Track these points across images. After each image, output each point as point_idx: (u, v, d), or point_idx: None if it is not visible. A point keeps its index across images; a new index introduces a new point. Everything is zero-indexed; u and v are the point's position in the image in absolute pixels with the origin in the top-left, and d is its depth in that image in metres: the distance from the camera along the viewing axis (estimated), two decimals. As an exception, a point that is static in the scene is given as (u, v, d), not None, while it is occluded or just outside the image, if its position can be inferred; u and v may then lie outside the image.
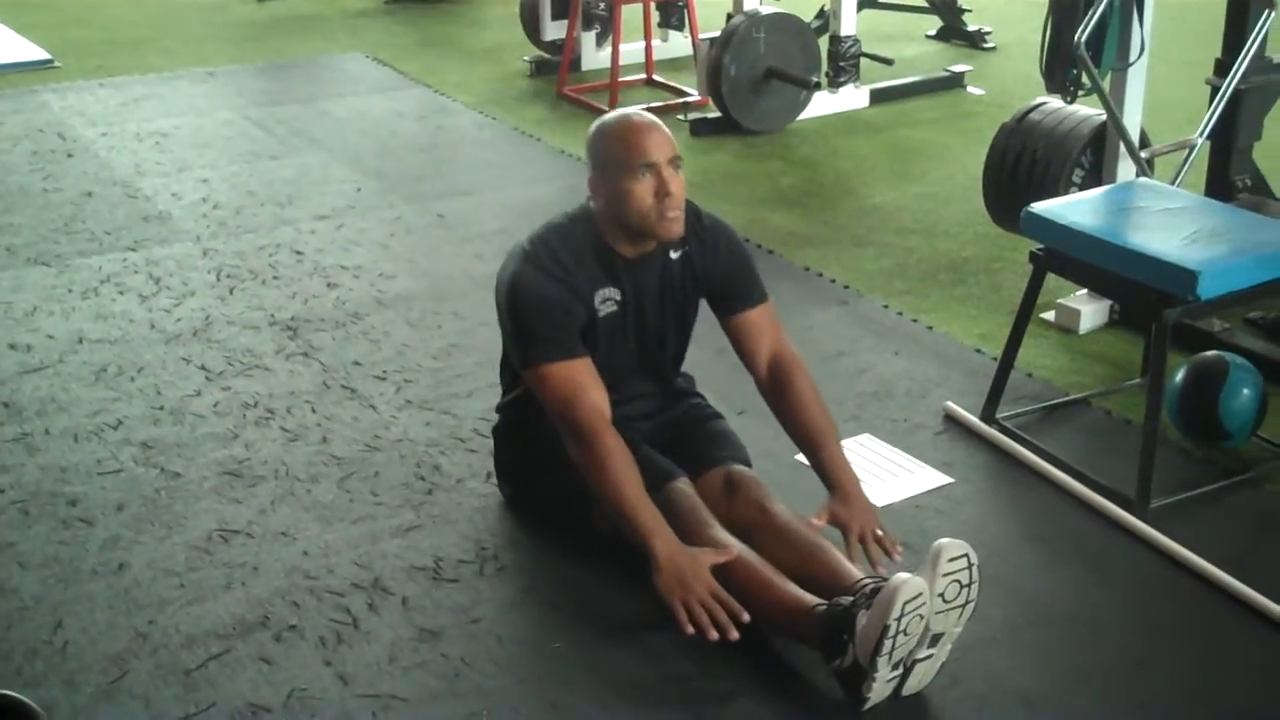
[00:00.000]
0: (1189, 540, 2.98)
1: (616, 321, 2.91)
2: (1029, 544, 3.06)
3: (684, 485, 2.85)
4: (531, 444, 3.01)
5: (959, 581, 2.45)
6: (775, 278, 4.47)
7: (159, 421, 3.55)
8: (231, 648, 2.69)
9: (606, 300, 2.87)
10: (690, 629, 2.56)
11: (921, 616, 2.40)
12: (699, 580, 2.60)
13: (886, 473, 3.30)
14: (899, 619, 2.36)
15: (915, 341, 4.01)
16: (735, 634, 2.54)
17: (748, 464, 3.01)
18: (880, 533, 2.80)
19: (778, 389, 3.00)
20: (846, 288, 4.40)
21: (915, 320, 4.15)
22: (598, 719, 2.51)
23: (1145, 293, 3.16)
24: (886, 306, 4.25)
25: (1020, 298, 3.50)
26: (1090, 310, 4.07)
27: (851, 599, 2.49)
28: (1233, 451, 3.37)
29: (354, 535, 3.06)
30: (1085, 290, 4.05)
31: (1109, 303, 4.08)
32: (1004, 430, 3.47)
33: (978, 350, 3.94)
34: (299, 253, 4.66)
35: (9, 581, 2.90)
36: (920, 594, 2.38)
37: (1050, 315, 4.12)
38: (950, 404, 3.58)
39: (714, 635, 2.53)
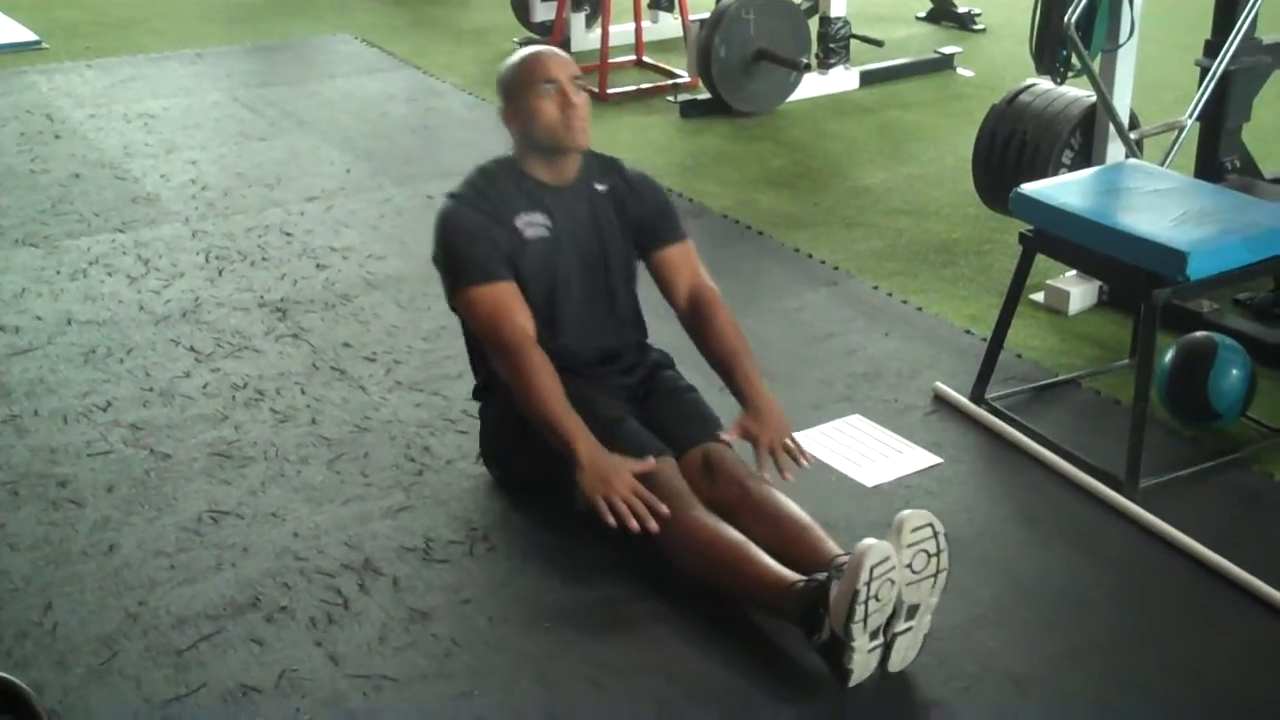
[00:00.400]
0: (1178, 520, 2.99)
1: (549, 248, 3.01)
2: (1018, 524, 3.07)
3: (665, 463, 2.86)
4: (510, 423, 3.01)
5: (926, 551, 2.46)
6: (765, 259, 4.50)
7: (148, 403, 3.54)
8: (222, 629, 2.69)
9: (532, 225, 3.00)
10: (613, 520, 2.72)
11: (892, 582, 2.41)
12: (619, 478, 2.76)
13: (876, 453, 3.31)
14: (867, 584, 2.37)
15: (905, 322, 4.02)
16: (654, 525, 2.70)
17: (725, 441, 3.00)
18: (789, 442, 2.94)
19: (695, 318, 3.13)
20: (836, 269, 4.40)
21: (905, 301, 4.15)
22: (589, 698, 2.51)
23: (1134, 273, 3.16)
24: (876, 288, 4.26)
25: (1010, 279, 3.51)
26: (1079, 291, 4.08)
27: (827, 574, 2.50)
28: (1221, 432, 3.38)
29: (344, 516, 3.06)
30: (1074, 271, 4.06)
31: (1098, 284, 4.08)
32: (993, 411, 3.47)
33: (967, 331, 3.95)
34: (288, 234, 4.65)
35: (-1, 563, 2.90)
36: (887, 557, 2.39)
37: (1039, 296, 4.13)
38: (940, 385, 3.59)
39: (634, 525, 2.70)
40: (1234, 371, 3.31)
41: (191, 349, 3.83)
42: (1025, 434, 3.35)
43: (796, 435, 3.33)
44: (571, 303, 3.04)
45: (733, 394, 3.04)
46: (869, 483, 3.17)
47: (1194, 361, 3.33)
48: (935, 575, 2.49)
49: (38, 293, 4.19)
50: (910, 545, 2.44)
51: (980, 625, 2.70)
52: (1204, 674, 2.60)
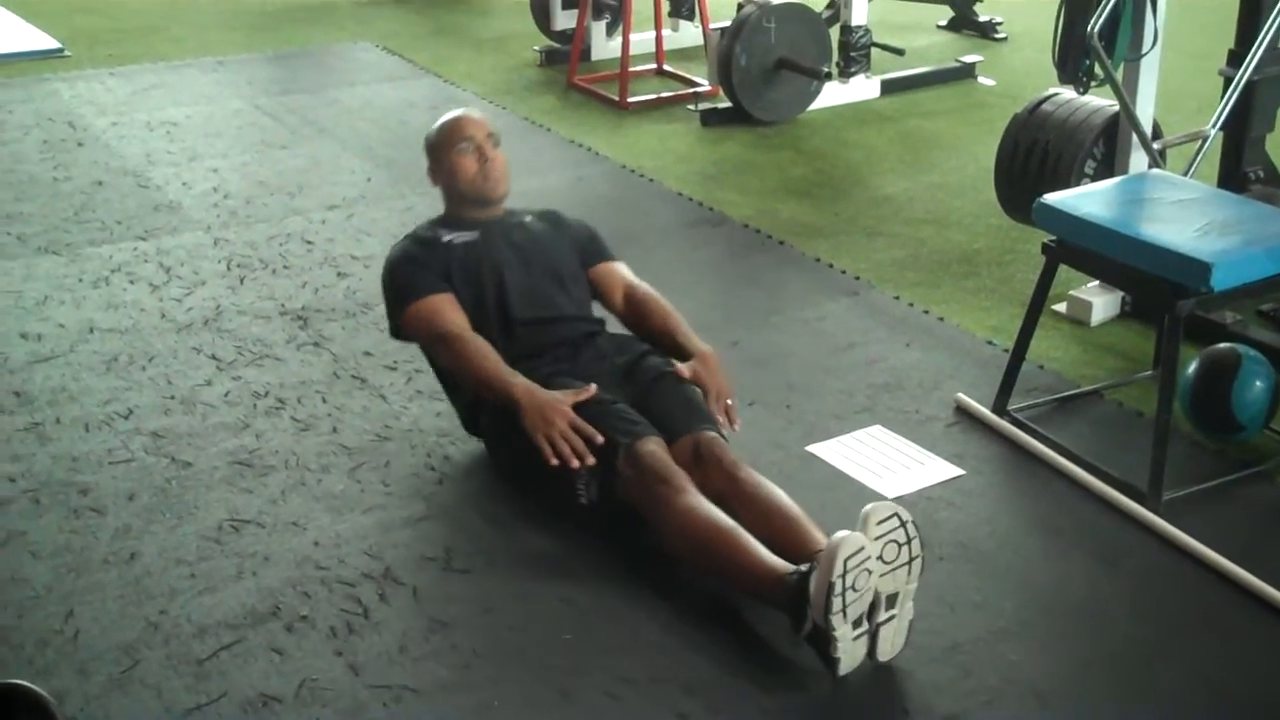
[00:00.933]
0: (1201, 533, 2.97)
1: (480, 247, 3.28)
2: (1040, 536, 3.06)
3: (654, 444, 2.90)
4: (503, 429, 3.08)
5: (895, 541, 2.51)
6: (786, 268, 4.49)
7: (170, 411, 3.55)
8: (243, 638, 2.69)
9: (460, 236, 3.30)
10: (555, 460, 2.90)
11: (869, 571, 2.46)
12: (558, 414, 2.94)
13: (898, 464, 3.30)
14: (842, 575, 2.42)
15: (927, 333, 4.01)
16: (591, 459, 2.90)
17: (715, 429, 3.04)
18: (730, 403, 3.13)
19: (630, 306, 3.36)
20: (857, 279, 4.39)
21: (927, 312, 4.14)
22: (609, 710, 2.51)
23: (1158, 284, 3.15)
24: (898, 298, 4.25)
25: (1032, 289, 3.49)
26: (1102, 302, 4.06)
27: (808, 566, 2.53)
28: (1245, 444, 3.36)
29: (365, 525, 3.06)
30: (1097, 282, 4.04)
31: (1120, 294, 4.07)
32: (1015, 422, 3.46)
33: (989, 342, 3.93)
34: (309, 242, 4.66)
35: (20, 571, 2.90)
36: (860, 548, 2.45)
37: (1062, 307, 4.11)
38: (962, 396, 3.58)
39: (575, 464, 2.89)
40: (1258, 384, 3.29)
41: (213, 357, 3.84)
42: (1047, 446, 3.34)
43: (816, 446, 3.36)
44: (515, 282, 3.24)
45: (675, 355, 3.22)
46: (890, 494, 3.16)
47: (1217, 373, 3.32)
48: (909, 563, 2.53)
49: (60, 300, 4.20)
50: (878, 537, 2.49)
51: (1002, 638, 2.69)
52: (1226, 687, 2.58)
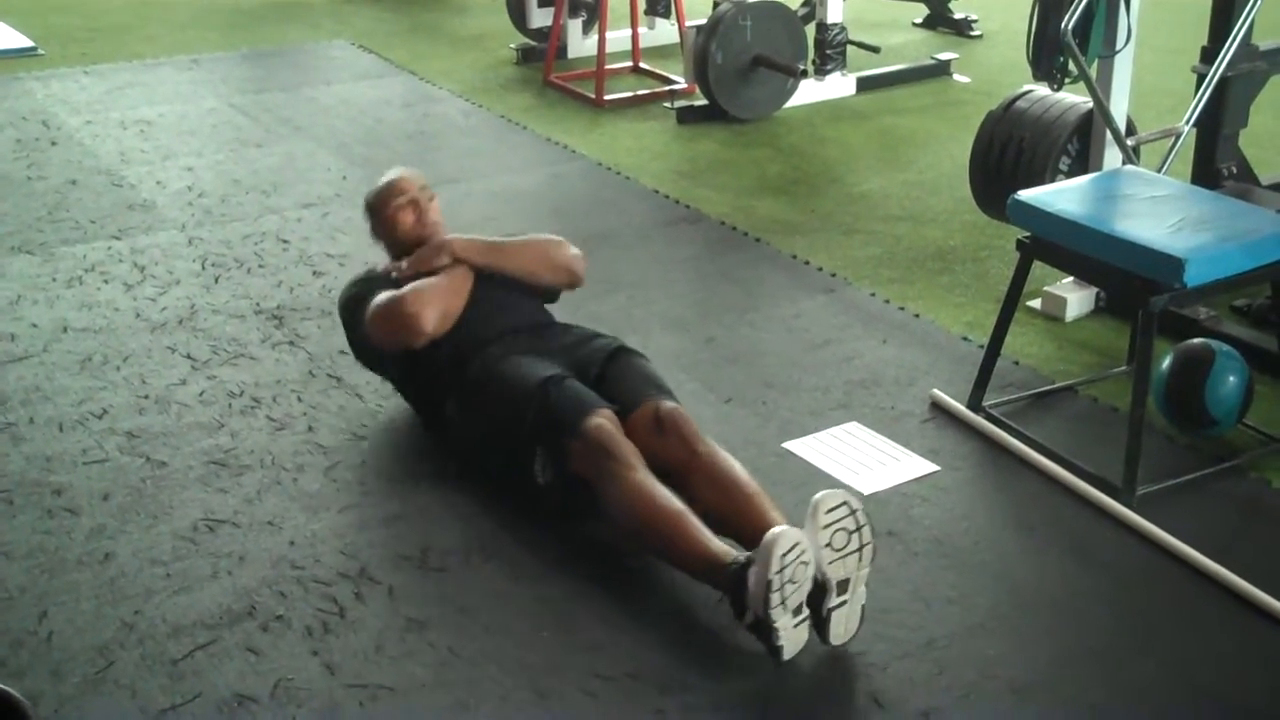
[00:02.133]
0: (1175, 527, 2.99)
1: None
2: (1015, 531, 3.07)
3: (605, 419, 2.91)
4: (466, 412, 3.16)
5: (844, 529, 2.55)
6: (762, 265, 4.49)
7: (144, 410, 3.53)
8: (218, 638, 2.68)
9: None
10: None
11: (805, 563, 2.49)
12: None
13: (874, 461, 3.30)
14: (779, 571, 2.46)
15: (902, 329, 4.01)
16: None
17: (674, 400, 3.07)
18: None
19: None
20: (834, 276, 4.40)
21: (902, 308, 4.15)
22: (586, 707, 2.51)
23: (1132, 280, 3.16)
24: (874, 294, 4.25)
25: (1007, 286, 3.50)
26: (1076, 298, 4.08)
27: (747, 557, 2.57)
28: (1219, 439, 3.38)
29: (340, 524, 3.05)
30: (1071, 278, 4.06)
31: (1095, 290, 4.08)
32: (990, 418, 3.47)
33: (964, 338, 3.94)
34: (285, 241, 4.65)
35: (-6, 571, 2.89)
36: (795, 543, 2.48)
37: (1036, 303, 4.12)
38: (937, 392, 3.59)
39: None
40: (1231, 378, 3.31)
41: (188, 356, 3.82)
42: (1023, 441, 3.35)
43: (792, 442, 3.37)
44: (484, 294, 3.32)
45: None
46: (866, 490, 3.16)
47: (1191, 368, 3.33)
48: (860, 549, 2.57)
49: (33, 300, 4.18)
50: (827, 526, 2.54)
51: (978, 633, 2.69)
52: (1201, 681, 2.59)
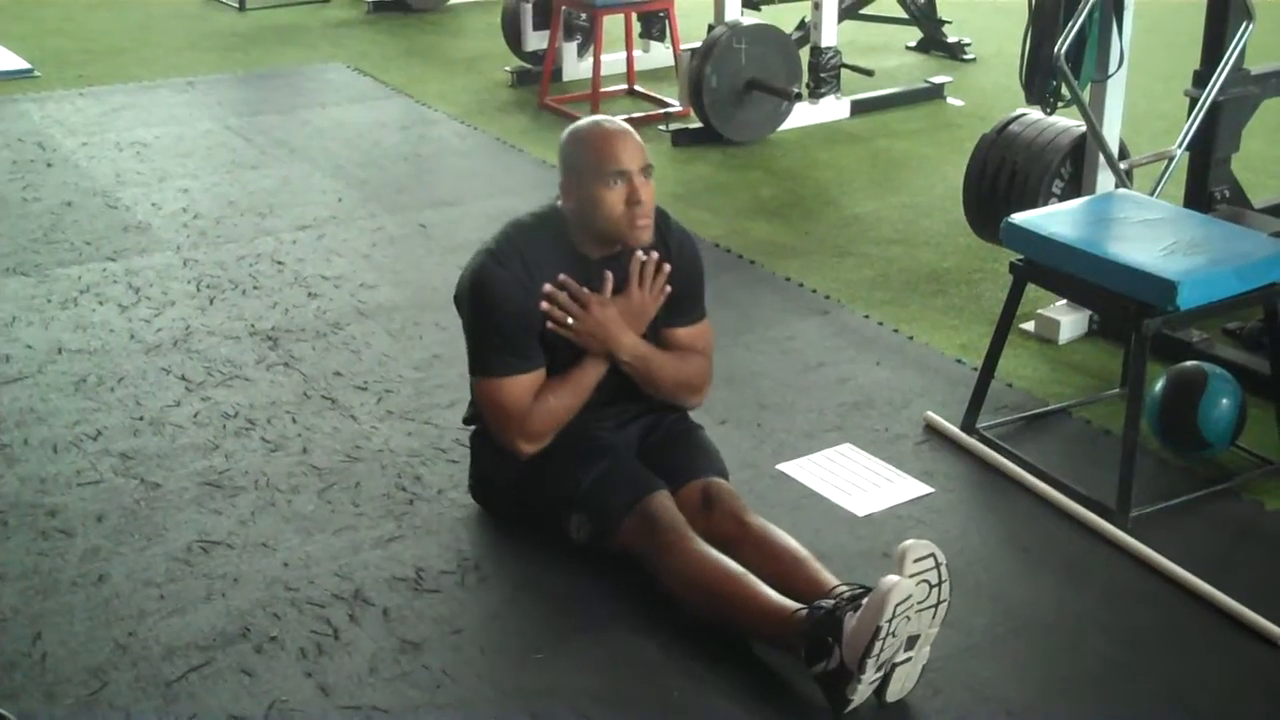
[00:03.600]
0: (1169, 549, 2.99)
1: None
2: (1010, 553, 3.07)
3: (664, 498, 2.85)
4: (510, 456, 3.00)
5: (928, 581, 2.46)
6: (756, 288, 4.50)
7: (139, 432, 3.53)
8: (212, 659, 2.68)
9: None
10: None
11: (909, 618, 2.41)
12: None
13: (868, 483, 3.31)
14: (890, 620, 2.37)
15: (896, 352, 4.02)
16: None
17: (725, 476, 3.02)
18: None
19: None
20: (827, 298, 4.41)
21: (896, 330, 4.16)
22: (580, 730, 2.51)
23: (1125, 303, 3.17)
24: (867, 317, 4.26)
25: (1000, 308, 3.51)
26: (1069, 320, 4.09)
27: (834, 603, 2.50)
28: (1212, 461, 3.39)
29: (335, 546, 3.05)
30: (1064, 301, 4.07)
31: (1088, 313, 4.09)
32: (984, 440, 3.47)
33: (958, 360, 3.95)
34: (280, 263, 4.65)
35: (-13, 593, 2.89)
36: (910, 595, 2.39)
37: (1030, 326, 4.13)
38: (931, 414, 3.59)
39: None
40: (1224, 401, 3.31)
41: (182, 378, 3.82)
42: (1016, 463, 3.35)
43: (787, 464, 3.37)
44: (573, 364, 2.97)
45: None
46: (860, 512, 3.17)
47: (1184, 391, 3.34)
48: (936, 606, 2.49)
49: (28, 321, 4.18)
50: (913, 575, 2.43)
51: (973, 655, 2.69)
52: (1195, 703, 2.59)
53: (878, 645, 2.38)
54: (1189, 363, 3.47)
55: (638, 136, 2.86)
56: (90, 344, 4.03)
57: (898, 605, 2.37)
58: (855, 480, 3.32)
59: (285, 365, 3.90)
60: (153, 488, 3.28)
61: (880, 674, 2.46)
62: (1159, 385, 3.39)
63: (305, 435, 3.52)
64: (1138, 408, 3.15)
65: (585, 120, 2.93)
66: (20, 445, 3.47)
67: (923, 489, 3.28)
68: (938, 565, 2.47)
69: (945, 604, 2.50)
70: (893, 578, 2.41)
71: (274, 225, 5.01)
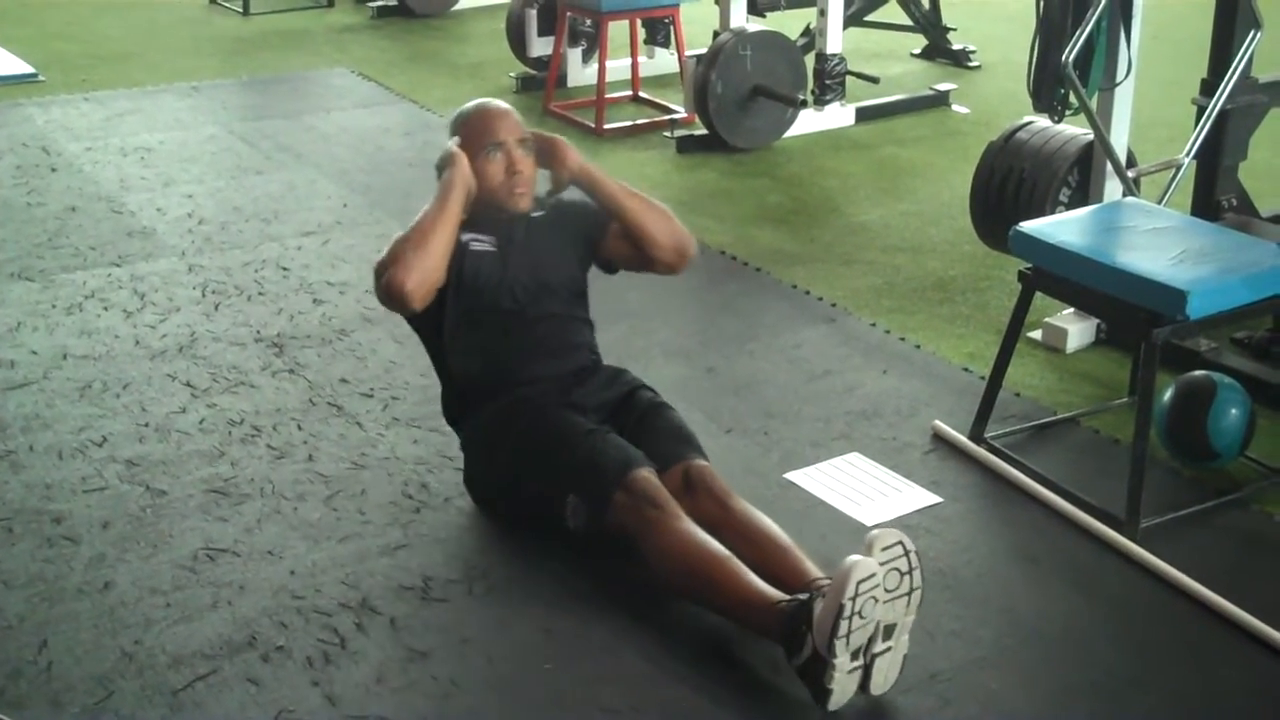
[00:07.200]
0: (1178, 560, 2.98)
1: (495, 261, 3.12)
2: (1018, 564, 3.06)
3: (649, 473, 2.87)
4: (498, 450, 3.06)
5: (898, 570, 2.48)
6: (762, 296, 4.49)
7: (144, 438, 3.52)
8: (218, 668, 2.67)
9: (477, 240, 3.12)
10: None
11: (875, 599, 2.42)
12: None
13: (875, 492, 3.30)
14: (853, 599, 2.39)
15: (903, 360, 4.01)
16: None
17: (704, 457, 3.03)
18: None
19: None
20: (834, 306, 4.40)
21: (903, 339, 4.15)
22: (588, 740, 2.50)
23: (1134, 312, 3.16)
24: (874, 325, 4.25)
25: (1007, 316, 3.51)
26: (1077, 329, 4.08)
27: (809, 594, 2.52)
28: (1221, 471, 3.38)
29: (341, 554, 3.04)
30: (1072, 309, 4.06)
31: (1096, 322, 4.08)
32: (992, 449, 3.46)
33: (965, 369, 3.94)
34: (285, 269, 4.64)
35: (-7, 600, 2.88)
36: (873, 574, 2.41)
37: (1037, 334, 4.12)
38: (938, 423, 3.58)
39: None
40: (1233, 411, 3.31)
41: (188, 384, 3.81)
42: (1024, 473, 3.34)
43: (794, 473, 3.37)
44: (525, 332, 3.12)
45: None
46: (868, 521, 3.16)
47: (1193, 400, 3.33)
48: (909, 594, 2.50)
49: (33, 327, 4.17)
50: (883, 564, 2.45)
51: (982, 666, 2.68)
52: (1205, 715, 2.59)
53: (843, 624, 2.39)
54: (1198, 372, 3.46)
55: (515, 114, 3.21)
56: (95, 350, 4.02)
57: (860, 583, 2.39)
58: (863, 489, 3.31)
59: (291, 372, 3.89)
60: (158, 494, 3.27)
61: (858, 664, 2.46)
62: (1168, 395, 3.38)
63: (311, 442, 3.51)
64: (1147, 417, 3.14)
65: (469, 104, 3.26)
66: (25, 451, 3.46)
67: (931, 498, 3.27)
68: (906, 553, 2.49)
69: (919, 590, 2.52)
70: (855, 556, 2.43)
71: (279, 231, 5.00)
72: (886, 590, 2.45)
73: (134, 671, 2.66)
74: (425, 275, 2.97)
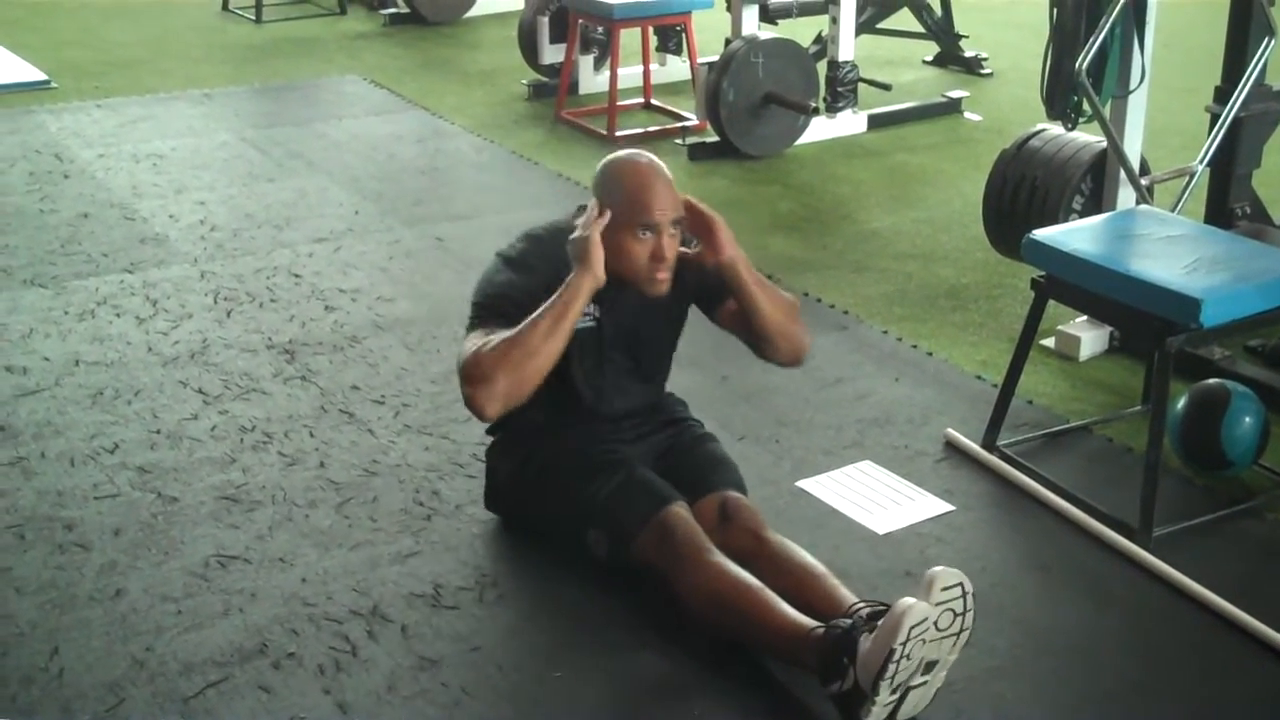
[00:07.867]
0: (1191, 569, 2.97)
1: (591, 338, 2.91)
2: (1031, 572, 3.05)
3: (681, 509, 2.84)
4: (527, 468, 3.01)
5: (953, 610, 2.43)
6: (775, 303, 4.47)
7: (156, 445, 3.53)
8: (229, 675, 2.67)
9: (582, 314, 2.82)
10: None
11: (925, 642, 2.39)
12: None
13: (888, 500, 3.29)
14: (904, 644, 2.34)
15: (915, 368, 4.00)
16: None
17: (743, 490, 3.00)
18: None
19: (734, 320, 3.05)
20: (846, 313, 4.39)
21: (915, 346, 4.14)
22: (599, 749, 2.49)
23: (1147, 320, 3.15)
24: (886, 332, 4.25)
25: (1020, 324, 3.50)
26: (1090, 337, 4.06)
27: (850, 622, 2.48)
28: (1235, 480, 3.36)
29: (352, 561, 3.04)
30: (1085, 317, 4.05)
31: (1109, 329, 4.07)
32: (1005, 458, 3.45)
33: (978, 377, 3.93)
34: (297, 275, 4.65)
35: (4, 607, 2.87)
36: (925, 619, 2.37)
37: (1050, 342, 4.11)
38: (951, 431, 3.57)
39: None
40: (1247, 419, 3.29)
41: (199, 391, 3.82)
42: (1037, 481, 3.33)
43: (806, 481, 3.35)
44: (607, 379, 2.98)
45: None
46: (880, 530, 3.15)
47: (1207, 409, 3.32)
48: (958, 634, 2.46)
49: (45, 333, 4.18)
50: (939, 603, 2.41)
51: (996, 676, 2.67)
52: (1221, 726, 2.58)
53: (891, 668, 2.35)
54: (1211, 380, 3.45)
55: (671, 183, 2.80)
56: (107, 356, 4.02)
57: (912, 628, 2.35)
58: (875, 497, 3.30)
59: (302, 379, 3.89)
60: (170, 501, 3.27)
61: (896, 696, 2.43)
62: (1181, 403, 3.37)
63: (322, 449, 3.51)
64: (1160, 426, 3.12)
65: (625, 157, 2.86)
66: (37, 458, 3.46)
67: (943, 507, 3.26)
68: (964, 594, 2.44)
69: (968, 632, 2.47)
70: (909, 600, 2.38)
71: (291, 238, 5.00)
72: (937, 629, 2.41)
73: (145, 679, 2.65)
74: (513, 401, 2.71)
